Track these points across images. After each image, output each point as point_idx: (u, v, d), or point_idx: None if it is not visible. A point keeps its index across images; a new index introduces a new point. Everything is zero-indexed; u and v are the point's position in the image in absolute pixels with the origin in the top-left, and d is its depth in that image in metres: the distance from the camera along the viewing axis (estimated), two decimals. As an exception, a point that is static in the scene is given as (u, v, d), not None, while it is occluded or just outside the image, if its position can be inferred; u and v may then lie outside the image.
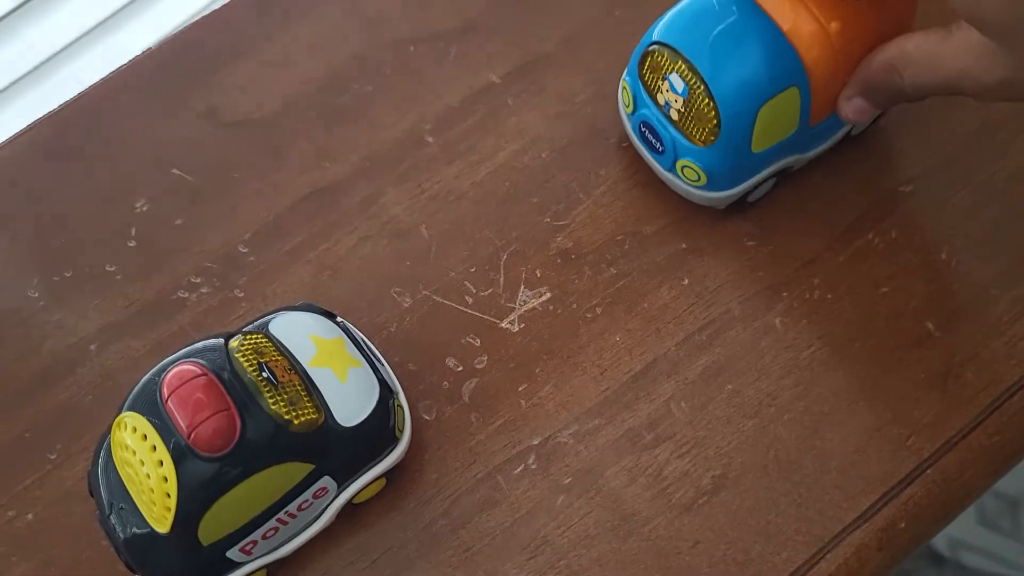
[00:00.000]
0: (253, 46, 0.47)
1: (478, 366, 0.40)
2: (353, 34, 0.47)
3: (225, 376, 0.32)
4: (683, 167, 0.39)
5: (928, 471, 0.37)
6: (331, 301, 0.41)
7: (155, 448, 0.31)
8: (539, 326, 0.40)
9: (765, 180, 0.40)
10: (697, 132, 0.38)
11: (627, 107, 0.41)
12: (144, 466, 0.31)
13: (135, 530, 0.33)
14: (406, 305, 0.41)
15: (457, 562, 0.37)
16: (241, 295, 0.42)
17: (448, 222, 0.43)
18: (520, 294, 0.41)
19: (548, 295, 0.41)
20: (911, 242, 0.41)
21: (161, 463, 0.31)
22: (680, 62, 0.37)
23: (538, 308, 0.41)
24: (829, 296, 0.40)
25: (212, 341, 0.33)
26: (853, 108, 0.37)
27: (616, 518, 0.37)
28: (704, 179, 0.39)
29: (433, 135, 0.44)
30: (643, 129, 0.40)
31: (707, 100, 0.36)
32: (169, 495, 0.31)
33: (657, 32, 0.38)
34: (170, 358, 0.33)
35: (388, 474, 0.36)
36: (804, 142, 0.40)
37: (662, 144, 0.39)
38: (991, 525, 0.81)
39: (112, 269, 0.43)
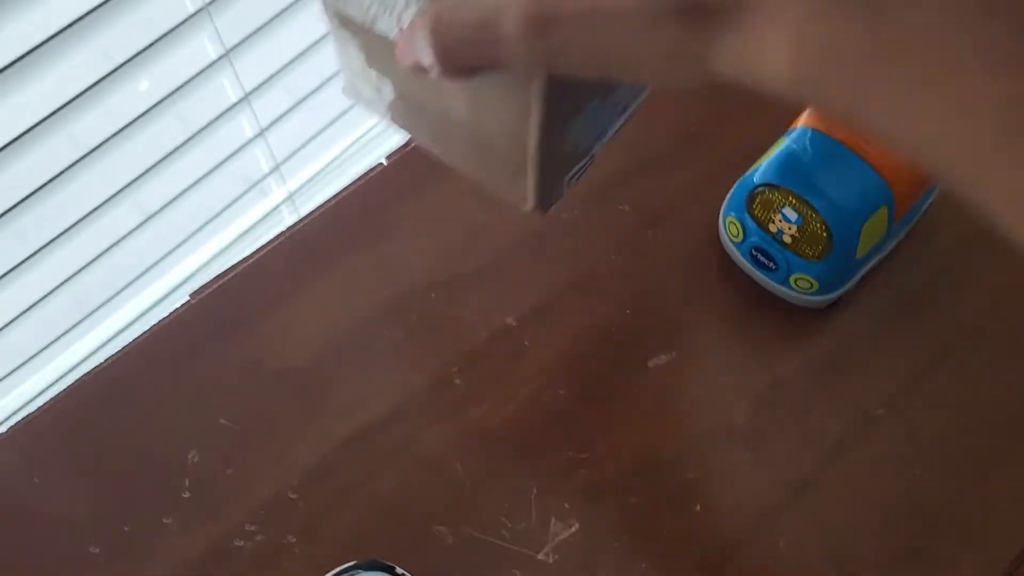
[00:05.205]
0: (289, 294, 0.51)
1: (521, 599, 0.44)
2: (378, 283, 0.52)
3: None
4: (796, 279, 0.48)
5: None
6: (380, 542, 0.45)
7: None
8: (572, 556, 0.45)
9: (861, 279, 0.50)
10: (810, 250, 0.47)
11: (735, 237, 0.50)
12: None
13: None
14: (449, 543, 0.45)
15: None
16: (294, 540, 0.45)
17: (480, 459, 0.47)
18: (552, 526, 0.46)
19: (576, 527, 0.46)
20: (800, 557, 0.47)
21: None
22: (791, 197, 0.46)
23: (569, 539, 0.45)
24: (823, 515, 0.46)
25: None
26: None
27: None
28: (816, 286, 0.48)
29: (460, 376, 0.49)
30: (755, 253, 0.49)
31: (820, 225, 0.46)
32: None
33: (761, 176, 0.47)
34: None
35: None
36: (888, 240, 0.49)
37: (775, 263, 0.48)
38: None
39: (169, 521, 0.46)
